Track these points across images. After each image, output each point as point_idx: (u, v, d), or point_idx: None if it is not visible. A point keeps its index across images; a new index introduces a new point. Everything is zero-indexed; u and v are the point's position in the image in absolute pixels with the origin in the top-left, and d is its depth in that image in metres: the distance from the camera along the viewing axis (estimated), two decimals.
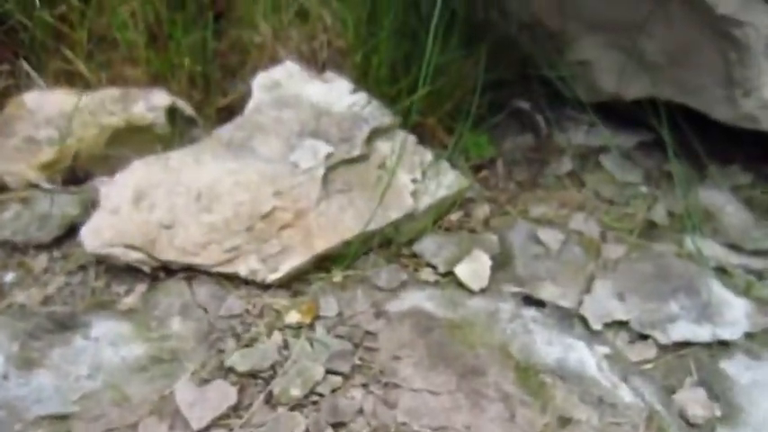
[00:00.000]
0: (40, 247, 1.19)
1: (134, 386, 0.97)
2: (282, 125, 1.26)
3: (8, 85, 1.46)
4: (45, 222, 1.21)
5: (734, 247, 1.18)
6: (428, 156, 1.28)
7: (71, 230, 1.20)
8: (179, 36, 1.46)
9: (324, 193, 1.17)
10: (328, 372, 0.98)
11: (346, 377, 0.97)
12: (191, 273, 1.12)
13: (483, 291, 1.09)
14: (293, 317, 1.05)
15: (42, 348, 1.02)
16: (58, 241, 1.20)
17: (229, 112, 1.45)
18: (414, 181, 1.22)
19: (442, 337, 1.02)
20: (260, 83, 1.36)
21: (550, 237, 1.20)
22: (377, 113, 1.29)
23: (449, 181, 1.25)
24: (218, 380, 0.97)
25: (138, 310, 1.08)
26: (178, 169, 1.19)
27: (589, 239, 1.21)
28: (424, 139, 1.32)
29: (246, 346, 1.02)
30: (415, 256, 1.17)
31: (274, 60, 1.46)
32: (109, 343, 1.03)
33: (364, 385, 0.97)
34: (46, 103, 1.36)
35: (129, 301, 1.10)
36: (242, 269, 1.10)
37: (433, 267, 1.14)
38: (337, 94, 1.32)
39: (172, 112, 1.37)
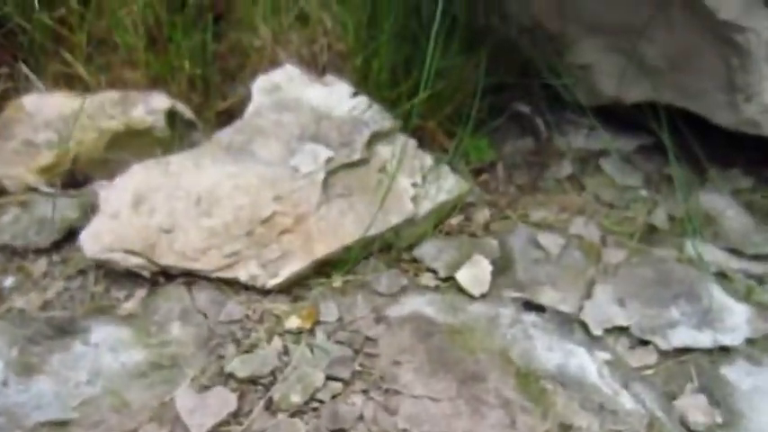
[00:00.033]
0: (40, 252, 1.19)
1: (134, 392, 0.97)
2: (282, 129, 1.26)
3: (7, 87, 1.46)
4: (44, 226, 1.21)
5: (734, 252, 1.18)
6: (428, 160, 1.28)
7: (70, 234, 1.20)
8: (179, 39, 1.46)
9: (324, 198, 1.17)
10: (328, 378, 0.97)
11: (346, 383, 0.97)
12: (190, 278, 1.12)
13: (483, 296, 1.09)
14: (293, 322, 1.05)
15: (42, 354, 1.02)
16: (57, 245, 1.19)
17: (229, 116, 1.45)
18: (414, 185, 1.22)
19: (443, 342, 1.02)
20: (260, 86, 1.36)
21: (551, 241, 1.20)
22: (377, 117, 1.28)
23: (449, 185, 1.25)
24: (218, 386, 0.97)
25: (137, 316, 1.08)
26: (178, 173, 1.19)
27: (589, 244, 1.21)
28: (424, 142, 1.32)
29: (246, 351, 1.02)
30: (415, 260, 1.16)
31: (274, 63, 1.45)
32: (108, 348, 1.02)
33: (365, 391, 0.96)
34: (45, 106, 1.36)
35: (129, 306, 1.09)
36: (242, 274, 1.09)
37: (434, 272, 1.14)
38: (337, 97, 1.32)
39: (171, 116, 1.36)
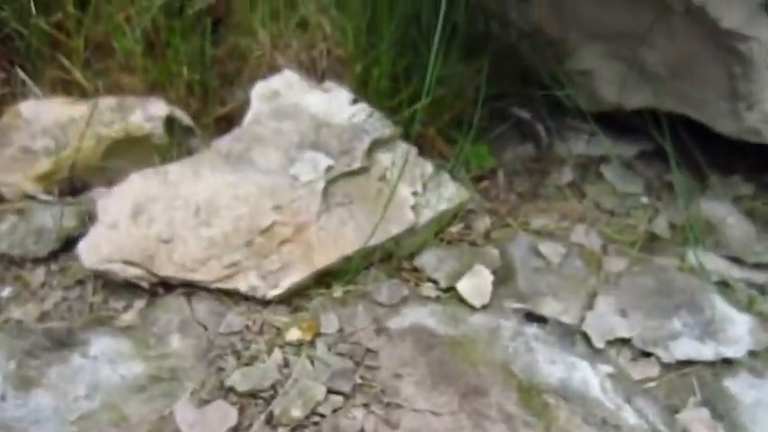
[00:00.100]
0: (37, 261, 1.18)
1: (133, 406, 0.96)
2: (282, 137, 1.25)
3: (4, 93, 1.45)
4: (42, 235, 1.20)
5: (736, 261, 1.18)
6: (428, 167, 1.27)
7: (68, 243, 1.19)
8: (177, 43, 1.44)
9: (324, 207, 1.16)
10: (329, 391, 0.97)
11: (347, 397, 0.97)
12: (190, 288, 1.11)
13: (484, 307, 1.09)
14: (294, 334, 1.04)
15: (40, 367, 1.01)
16: (54, 255, 1.18)
17: (228, 122, 1.44)
18: (414, 194, 1.21)
19: (444, 354, 1.01)
20: (258, 93, 1.35)
21: (551, 250, 1.19)
22: (377, 125, 1.27)
23: (449, 193, 1.24)
24: (218, 400, 0.97)
25: (136, 327, 1.07)
26: (176, 182, 1.18)
27: (590, 252, 1.20)
28: (424, 149, 1.31)
29: (247, 364, 1.01)
30: (415, 270, 1.16)
31: (273, 69, 1.44)
32: (107, 361, 1.02)
33: (365, 405, 0.96)
34: (42, 112, 1.35)
35: (128, 317, 1.09)
36: (242, 285, 1.09)
37: (435, 282, 1.13)
38: (337, 104, 1.31)
39: (170, 122, 1.35)
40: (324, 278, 1.13)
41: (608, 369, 1.00)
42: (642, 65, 1.26)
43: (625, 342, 1.04)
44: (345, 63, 1.39)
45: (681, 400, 0.98)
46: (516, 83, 1.40)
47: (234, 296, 1.10)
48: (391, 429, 0.93)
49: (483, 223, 1.25)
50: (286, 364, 1.01)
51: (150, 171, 1.21)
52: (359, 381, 0.99)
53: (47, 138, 1.31)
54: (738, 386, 0.99)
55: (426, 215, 1.19)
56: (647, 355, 1.03)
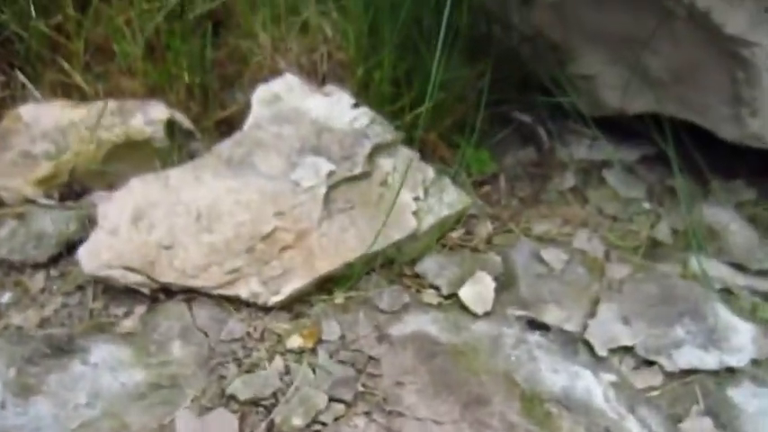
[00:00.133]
0: (37, 266, 1.17)
1: (133, 414, 0.96)
2: (283, 141, 1.24)
3: (4, 96, 1.44)
4: (42, 240, 1.19)
5: (739, 267, 1.17)
6: (430, 172, 1.26)
7: (68, 248, 1.18)
8: (177, 46, 1.44)
9: (325, 213, 1.15)
10: (331, 399, 0.96)
11: (349, 405, 0.96)
12: (191, 294, 1.10)
13: (487, 314, 1.08)
14: (295, 341, 1.04)
15: (40, 374, 1.00)
16: (54, 260, 1.18)
17: (228, 125, 1.43)
18: (416, 199, 1.21)
19: (446, 362, 1.01)
20: (259, 96, 1.34)
21: (554, 256, 1.19)
22: (379, 129, 1.27)
23: (451, 199, 1.24)
24: (219, 408, 0.96)
25: (137, 334, 1.06)
26: (177, 188, 1.17)
27: (593, 259, 1.20)
28: (425, 154, 1.31)
29: (248, 371, 1.01)
30: (417, 276, 1.15)
31: (274, 72, 1.44)
32: (108, 368, 1.01)
33: (367, 413, 0.95)
34: (42, 116, 1.34)
35: (128, 324, 1.08)
36: (243, 292, 1.08)
37: (436, 289, 1.13)
38: (338, 108, 1.30)
39: (170, 126, 1.35)
40: (325, 284, 1.12)
41: (611, 378, 1.00)
42: (645, 70, 1.25)
43: (628, 350, 1.04)
44: (346, 67, 1.39)
45: (684, 410, 0.98)
46: (518, 87, 1.40)
47: (235, 302, 1.09)
48: None
49: (485, 229, 1.25)
50: (287, 371, 1.01)
51: (151, 176, 1.21)
52: (360, 389, 0.99)
53: (47, 142, 1.31)
54: (741, 395, 0.99)
55: (428, 221, 1.19)
56: (650, 363, 1.02)
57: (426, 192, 1.23)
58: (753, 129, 1.17)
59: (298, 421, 0.94)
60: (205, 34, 1.45)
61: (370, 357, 1.02)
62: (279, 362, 1.02)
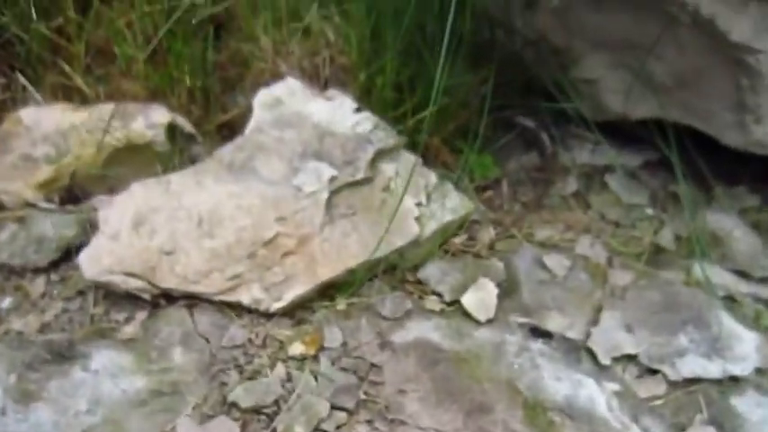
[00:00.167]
0: (38, 271, 1.16)
1: (134, 422, 0.95)
2: (285, 146, 1.24)
3: (4, 98, 1.43)
4: (42, 244, 1.19)
5: (742, 275, 1.17)
6: (432, 178, 1.26)
7: (69, 252, 1.17)
8: (179, 49, 1.43)
9: (327, 218, 1.15)
10: (333, 407, 0.96)
11: (351, 413, 0.96)
12: (192, 300, 1.10)
13: (489, 321, 1.08)
14: (297, 348, 1.04)
15: (40, 380, 1.00)
16: (55, 264, 1.17)
17: (230, 129, 1.43)
18: (418, 205, 1.20)
19: (449, 370, 1.00)
20: (261, 100, 1.34)
21: (556, 262, 1.18)
22: (381, 134, 1.26)
23: (454, 204, 1.23)
24: (220, 416, 0.96)
25: (138, 340, 1.06)
26: (179, 193, 1.17)
27: (595, 265, 1.20)
28: (428, 159, 1.30)
29: (249, 378, 1.00)
30: (419, 282, 1.15)
31: (275, 75, 1.43)
32: (109, 375, 1.01)
33: (369, 422, 0.95)
34: (43, 119, 1.34)
35: (129, 330, 1.08)
36: (245, 298, 1.08)
37: (439, 295, 1.12)
38: (341, 113, 1.30)
39: (171, 130, 1.34)
40: (327, 290, 1.12)
41: (614, 387, 0.99)
42: (648, 75, 1.25)
43: (631, 358, 1.04)
44: (348, 71, 1.38)
45: (687, 419, 0.97)
46: (521, 92, 1.39)
47: (236, 308, 1.09)
48: None
49: (487, 234, 1.24)
50: (289, 378, 1.00)
51: (152, 181, 1.20)
52: (363, 396, 0.98)
53: (47, 145, 1.30)
54: (745, 404, 0.98)
55: (431, 227, 1.18)
56: (654, 372, 1.02)
57: (429, 197, 1.22)
58: (757, 136, 1.16)
59: (300, 429, 0.93)
60: (207, 37, 1.45)
61: (373, 364, 1.02)
62: (281, 369, 1.01)
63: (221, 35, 1.54)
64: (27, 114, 1.34)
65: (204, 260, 1.10)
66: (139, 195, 1.17)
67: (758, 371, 1.02)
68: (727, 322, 1.08)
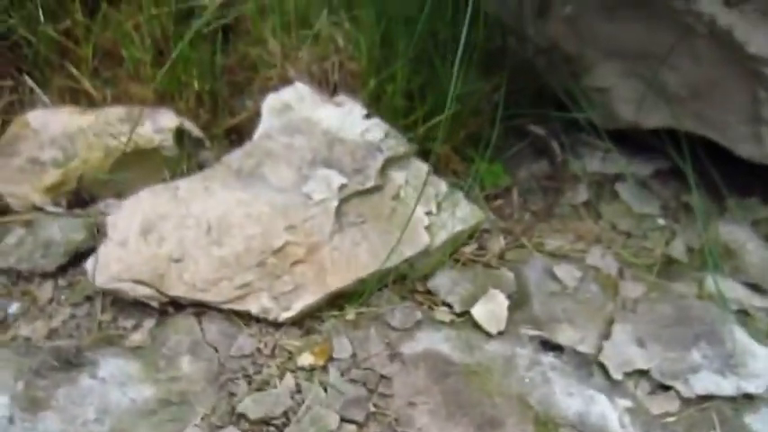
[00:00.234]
0: (45, 276, 1.16)
1: (143, 431, 0.95)
2: (294, 153, 1.23)
3: (12, 101, 1.42)
4: (49, 249, 1.18)
5: (755, 288, 1.16)
6: (443, 186, 1.25)
7: (76, 257, 1.17)
8: (186, 52, 1.42)
9: (337, 227, 1.14)
10: (343, 419, 0.95)
11: (361, 425, 0.95)
12: (200, 308, 1.09)
13: (500, 333, 1.07)
14: (306, 359, 1.03)
15: (48, 388, 0.99)
16: (63, 269, 1.16)
17: (238, 133, 1.42)
18: (428, 214, 1.19)
19: (459, 383, 0.99)
20: (269, 105, 1.33)
21: (567, 273, 1.17)
22: (391, 142, 1.25)
23: (464, 213, 1.22)
24: (229, 426, 0.95)
25: (146, 348, 1.05)
26: (187, 199, 1.16)
27: (606, 276, 1.19)
28: (437, 167, 1.29)
29: (258, 389, 0.99)
30: (429, 292, 1.14)
31: (284, 80, 1.42)
32: (117, 383, 1.00)
33: None
34: (50, 122, 1.33)
35: (137, 337, 1.07)
36: (253, 307, 1.07)
37: (449, 306, 1.11)
38: (350, 119, 1.29)
39: (179, 134, 1.33)
40: (336, 300, 1.11)
41: (626, 403, 0.98)
42: (662, 85, 1.24)
43: (643, 374, 1.03)
44: (358, 77, 1.37)
45: None
46: (532, 100, 1.38)
47: (245, 317, 1.08)
48: None
49: (497, 244, 1.23)
50: (298, 389, 0.99)
51: (160, 187, 1.19)
52: (372, 409, 0.97)
53: (55, 148, 1.29)
54: (759, 422, 0.97)
55: (441, 236, 1.17)
56: (666, 388, 1.01)
57: (439, 206, 1.21)
58: None
59: None
60: (215, 40, 1.44)
61: (382, 376, 1.01)
62: (290, 380, 1.00)
63: (229, 38, 1.53)
64: (34, 117, 1.33)
65: (213, 268, 1.09)
66: (147, 201, 1.16)
67: None
68: (741, 338, 1.06)
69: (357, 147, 1.24)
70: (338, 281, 1.09)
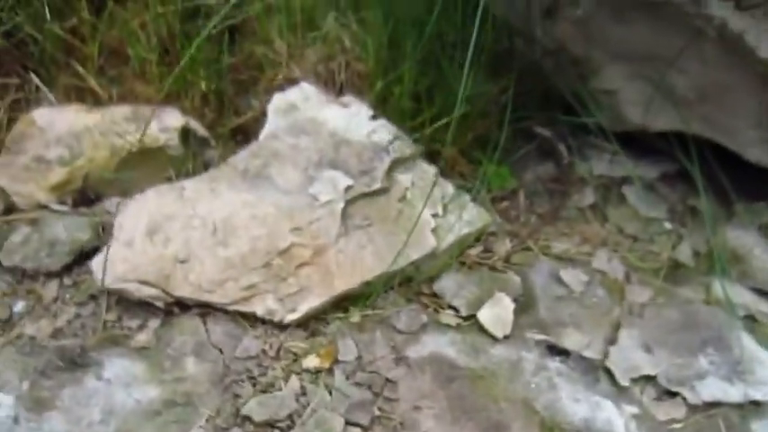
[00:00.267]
0: (50, 275, 1.16)
1: None
2: (300, 154, 1.23)
3: (17, 98, 1.42)
4: (55, 248, 1.18)
5: (763, 294, 1.15)
6: (449, 189, 1.25)
7: (81, 256, 1.17)
8: (192, 51, 1.42)
9: (343, 229, 1.13)
10: (348, 423, 0.95)
11: (365, 429, 0.95)
12: (205, 309, 1.09)
13: (506, 337, 1.06)
14: (311, 361, 1.03)
15: (53, 388, 0.99)
16: (68, 268, 1.16)
17: (243, 133, 1.42)
18: (435, 216, 1.19)
19: (464, 388, 0.99)
20: (275, 105, 1.32)
21: (573, 277, 1.17)
22: (397, 143, 1.25)
23: (471, 216, 1.22)
24: (234, 429, 0.95)
25: (151, 348, 1.05)
26: (193, 200, 1.16)
27: (613, 280, 1.18)
28: (444, 169, 1.28)
29: (263, 391, 0.99)
30: (435, 295, 1.13)
31: (289, 79, 1.42)
32: (122, 384, 1.00)
33: None
34: (56, 120, 1.33)
35: (142, 337, 1.07)
36: (259, 309, 1.07)
37: (454, 309, 1.11)
38: (356, 120, 1.28)
39: (185, 133, 1.33)
40: (341, 302, 1.11)
41: (632, 409, 0.98)
42: (670, 88, 1.23)
43: (650, 379, 1.02)
44: (364, 78, 1.36)
45: None
46: (539, 101, 1.37)
47: (250, 319, 1.08)
48: None
49: (503, 246, 1.23)
50: (303, 392, 0.99)
51: (166, 187, 1.19)
52: (377, 413, 0.97)
53: (61, 147, 1.29)
54: (766, 430, 0.97)
55: (447, 239, 1.17)
56: (673, 394, 1.00)
57: (445, 208, 1.21)
58: None
59: None
60: (221, 40, 1.43)
61: (387, 380, 1.01)
62: (295, 382, 1.00)
63: (235, 37, 1.53)
64: (40, 115, 1.33)
65: (219, 269, 1.09)
66: (153, 202, 1.16)
67: None
68: (748, 344, 1.06)
69: (363, 148, 1.24)
70: (344, 284, 1.09)
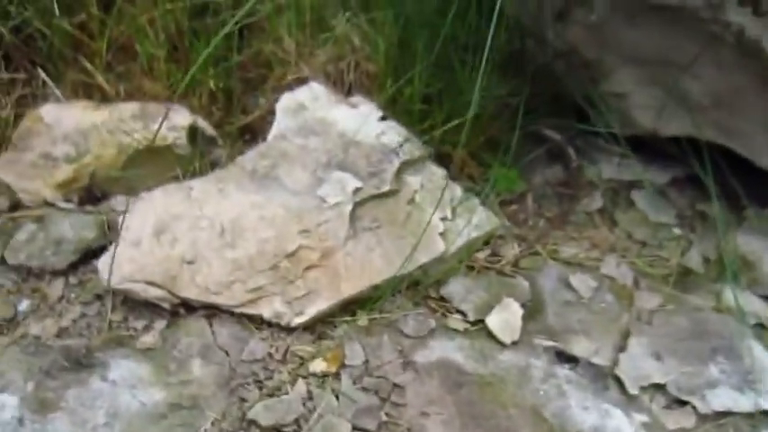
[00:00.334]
0: (56, 273, 1.15)
1: None
2: (308, 155, 1.22)
3: (25, 94, 1.41)
4: (60, 246, 1.17)
5: None
6: (458, 191, 1.24)
7: (87, 255, 1.16)
8: (201, 48, 1.41)
9: (351, 232, 1.13)
10: (354, 428, 0.94)
11: None
12: (212, 311, 1.08)
13: (514, 343, 1.06)
14: (318, 365, 1.02)
15: (57, 389, 0.99)
16: (73, 266, 1.16)
17: (251, 132, 1.41)
18: (443, 219, 1.18)
19: (473, 394, 0.98)
20: (284, 105, 1.32)
21: (582, 282, 1.16)
22: (407, 145, 1.24)
23: (479, 220, 1.21)
24: None
25: (156, 350, 1.04)
26: (200, 200, 1.15)
27: (621, 286, 1.17)
28: (452, 171, 1.27)
29: (269, 395, 0.99)
30: (443, 299, 1.13)
31: (298, 78, 1.41)
32: (127, 386, 0.99)
33: None
34: (64, 117, 1.32)
35: (148, 339, 1.06)
36: (266, 311, 1.06)
37: (462, 314, 1.10)
38: (365, 121, 1.27)
39: (193, 132, 1.32)
40: (349, 305, 1.10)
41: (642, 418, 0.97)
42: (683, 93, 1.22)
43: (659, 388, 1.01)
44: (374, 78, 1.35)
45: None
46: (550, 104, 1.36)
47: (257, 321, 1.07)
48: None
49: (512, 250, 1.22)
50: (310, 396, 0.99)
51: (173, 187, 1.18)
52: (384, 418, 0.96)
53: (68, 144, 1.28)
54: None
55: (456, 243, 1.16)
56: (683, 403, 0.99)
57: (454, 212, 1.20)
58: None
59: None
60: (230, 37, 1.42)
61: (395, 385, 1.00)
62: (301, 386, 0.99)
63: (244, 35, 1.51)
64: (48, 112, 1.32)
65: (226, 271, 1.08)
66: (160, 202, 1.15)
67: None
68: (759, 353, 1.05)
69: (373, 150, 1.23)
70: (352, 287, 1.08)
